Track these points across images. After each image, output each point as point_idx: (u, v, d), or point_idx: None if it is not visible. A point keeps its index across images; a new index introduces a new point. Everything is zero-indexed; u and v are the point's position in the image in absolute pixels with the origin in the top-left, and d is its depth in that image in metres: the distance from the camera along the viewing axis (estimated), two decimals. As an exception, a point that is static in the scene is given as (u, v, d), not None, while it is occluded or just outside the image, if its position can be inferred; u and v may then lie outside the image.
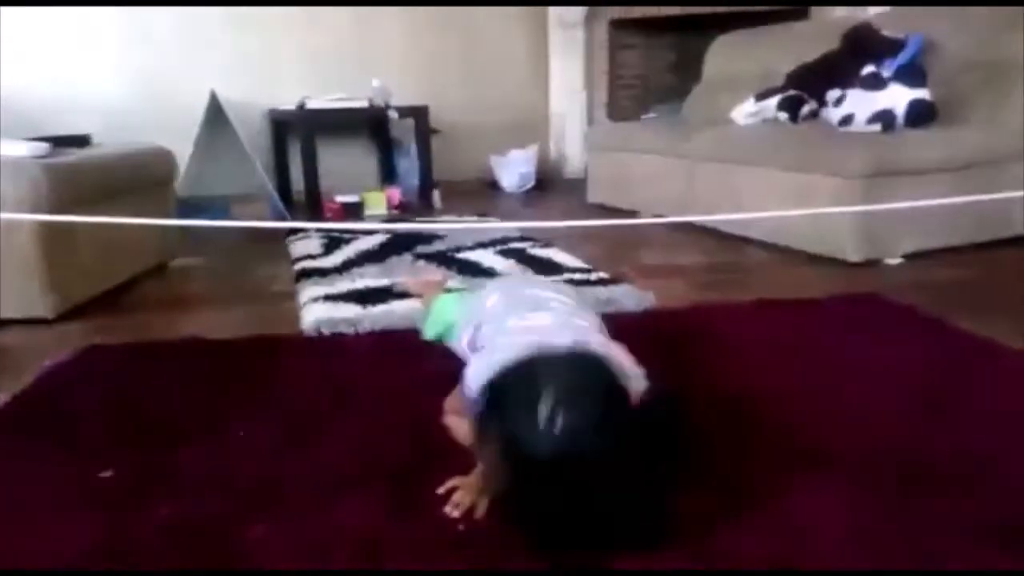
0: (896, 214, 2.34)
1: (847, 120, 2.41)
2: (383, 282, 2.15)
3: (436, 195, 3.92)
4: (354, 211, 3.62)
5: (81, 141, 2.32)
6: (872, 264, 2.34)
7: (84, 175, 2.05)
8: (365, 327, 1.75)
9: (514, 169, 4.37)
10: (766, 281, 2.22)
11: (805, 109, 2.75)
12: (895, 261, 2.36)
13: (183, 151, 3.45)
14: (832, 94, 2.48)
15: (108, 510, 1.01)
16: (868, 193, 2.28)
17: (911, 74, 2.37)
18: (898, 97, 2.34)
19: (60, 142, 2.18)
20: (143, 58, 3.91)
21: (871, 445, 1.13)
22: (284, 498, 1.03)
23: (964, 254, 2.41)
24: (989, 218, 2.45)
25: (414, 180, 4.00)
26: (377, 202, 3.73)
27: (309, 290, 2.09)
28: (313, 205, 3.66)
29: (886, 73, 2.38)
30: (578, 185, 4.01)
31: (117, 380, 1.50)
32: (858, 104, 2.38)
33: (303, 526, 0.96)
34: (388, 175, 4.15)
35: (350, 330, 1.74)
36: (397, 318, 1.80)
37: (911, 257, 2.38)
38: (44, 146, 2.02)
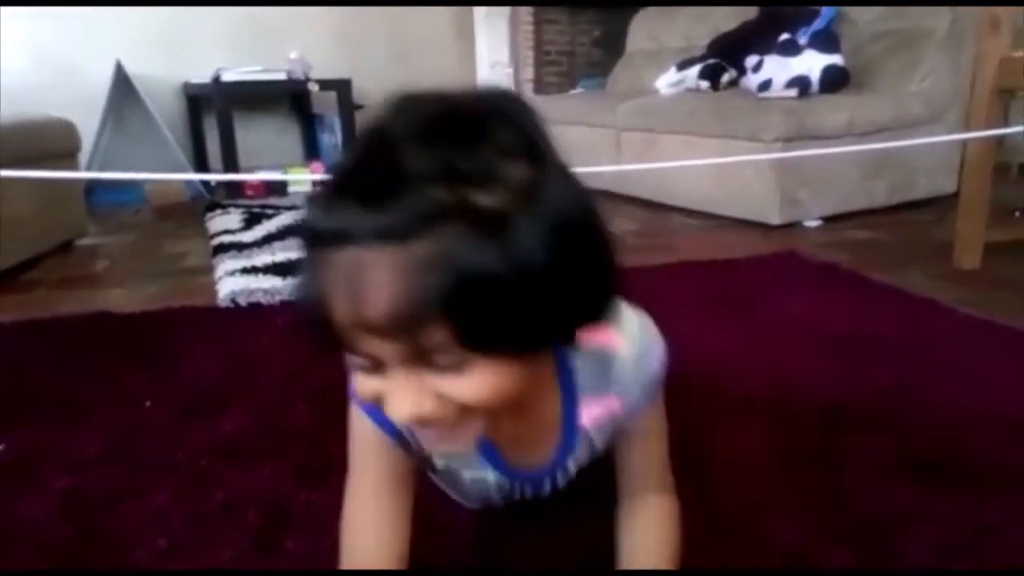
0: (814, 177, 2.40)
1: (765, 85, 2.45)
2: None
3: (362, 171, 3.83)
4: (276, 190, 3.50)
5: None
6: (792, 226, 2.40)
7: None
8: (284, 297, 1.69)
9: (442, 145, 4.31)
10: (691, 245, 2.24)
11: (725, 77, 2.78)
12: (814, 223, 2.42)
13: (90, 129, 3.27)
14: (751, 60, 2.51)
15: (2, 481, 0.94)
16: (789, 151, 2.32)
17: (825, 41, 2.42)
18: (813, 63, 2.39)
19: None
20: (43, 31, 3.68)
21: (791, 393, 1.15)
22: (187, 467, 0.97)
23: (877, 216, 2.49)
24: (897, 182, 2.54)
25: (338, 156, 3.91)
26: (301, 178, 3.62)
27: (226, 264, 2.01)
28: (233, 182, 3.53)
29: (802, 40, 2.42)
30: None
31: (13, 358, 1.40)
32: (776, 70, 2.41)
33: (210, 493, 0.91)
34: (311, 151, 4.03)
35: (268, 300, 1.68)
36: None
37: (828, 220, 2.44)
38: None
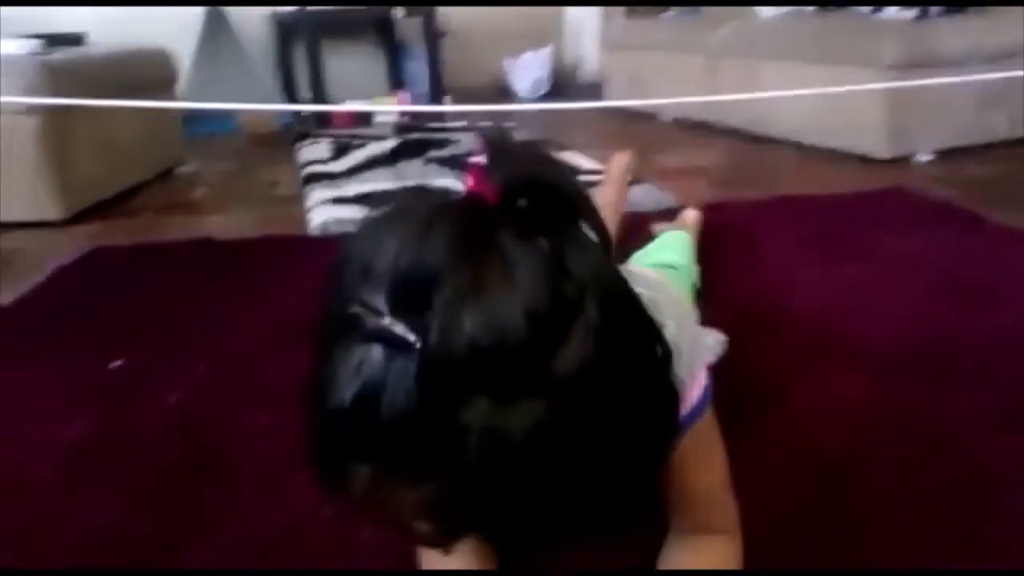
0: (928, 108, 2.23)
1: (879, 6, 2.26)
2: (392, 185, 2.09)
3: (447, 101, 3.80)
4: (363, 119, 3.52)
5: (74, 40, 2.23)
6: (902, 161, 2.24)
7: (81, 73, 1.99)
8: (373, 227, 1.71)
9: (528, 74, 4.22)
10: (792, 179, 2.13)
11: (835, -4, 2.58)
12: (926, 157, 2.26)
13: (185, 59, 3.35)
14: (865, -22, 2.32)
15: (119, 396, 1.00)
16: (903, 80, 2.16)
17: (951, -45, 2.20)
18: (935, -20, 2.19)
19: (53, 41, 2.10)
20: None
21: (895, 337, 1.09)
22: (285, 391, 1.00)
23: (998, 150, 2.29)
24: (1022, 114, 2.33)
25: (423, 86, 3.87)
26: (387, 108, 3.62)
27: (317, 193, 2.04)
28: (322, 113, 3.56)
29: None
30: (594, 90, 3.86)
31: (122, 280, 1.48)
32: (892, -12, 2.23)
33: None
34: (396, 81, 4.01)
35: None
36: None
37: (943, 154, 2.27)
38: (37, 43, 1.94)
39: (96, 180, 2.04)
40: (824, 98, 2.36)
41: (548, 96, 4.25)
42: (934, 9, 2.22)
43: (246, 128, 3.42)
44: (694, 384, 0.60)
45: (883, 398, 0.93)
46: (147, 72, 2.36)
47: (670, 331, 0.48)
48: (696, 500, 0.63)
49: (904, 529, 0.71)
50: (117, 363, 1.09)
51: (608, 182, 1.49)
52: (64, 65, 1.90)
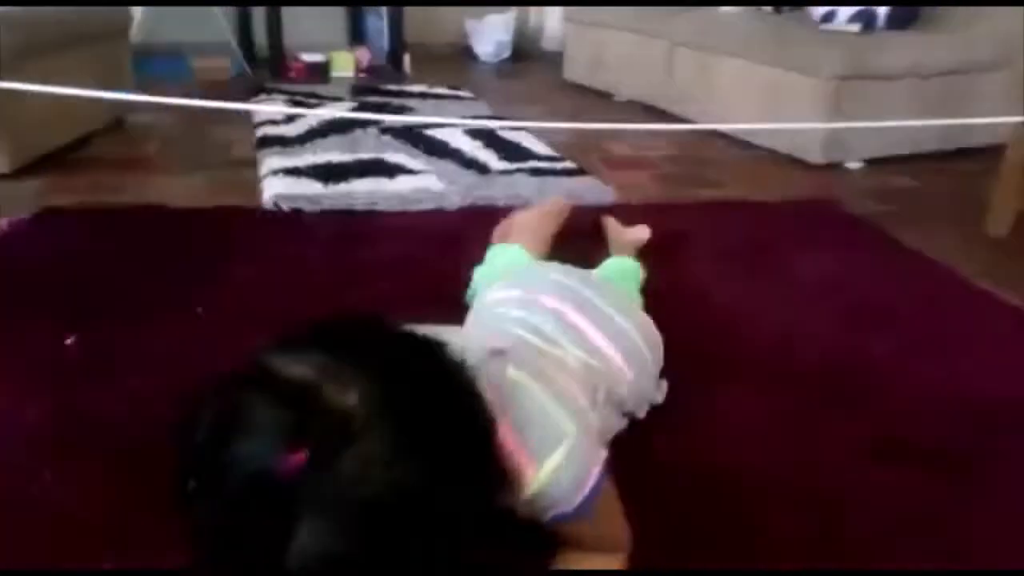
0: (863, 120, 2.35)
1: (829, 17, 2.36)
2: (346, 158, 2.12)
3: (406, 60, 3.79)
4: (320, 72, 3.49)
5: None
6: (835, 167, 2.37)
7: (34, 24, 1.94)
8: (324, 206, 1.75)
9: (490, 36, 4.22)
10: (728, 178, 2.24)
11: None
12: (856, 165, 2.39)
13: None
14: (818, -13, 2.41)
15: (76, 378, 1.05)
16: (840, 95, 2.28)
17: (899, -27, 2.30)
18: (882, -3, 2.29)
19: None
20: None
21: (789, 356, 1.21)
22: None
23: (923, 162, 2.44)
24: (952, 128, 2.47)
25: (383, 43, 3.85)
26: (345, 64, 3.60)
27: (270, 161, 2.06)
28: (277, 63, 3.51)
29: (874, -31, 2.31)
30: (555, 59, 3.89)
31: (74, 247, 1.50)
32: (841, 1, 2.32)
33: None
34: (357, 35, 3.97)
35: (310, 207, 1.74)
36: (358, 199, 1.80)
37: (872, 162, 2.41)
38: (-15, -12, 1.89)
39: (44, 130, 2.02)
40: (770, 100, 2.46)
41: (509, 61, 4.25)
42: (880, 22, 2.33)
43: (199, 74, 3.36)
44: (581, 488, 0.67)
45: (769, 412, 1.05)
46: (100, 17, 2.31)
47: (554, 461, 0.65)
48: (586, 542, 0.75)
49: (762, 539, 0.83)
50: (70, 340, 1.14)
51: (535, 209, 1.51)
52: (14, 17, 1.86)
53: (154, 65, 3.28)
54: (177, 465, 0.54)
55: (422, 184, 1.93)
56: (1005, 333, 1.34)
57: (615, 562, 0.76)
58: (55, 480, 0.86)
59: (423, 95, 3.10)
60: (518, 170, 2.11)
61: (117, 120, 2.45)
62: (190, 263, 1.45)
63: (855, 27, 2.30)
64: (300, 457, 0.48)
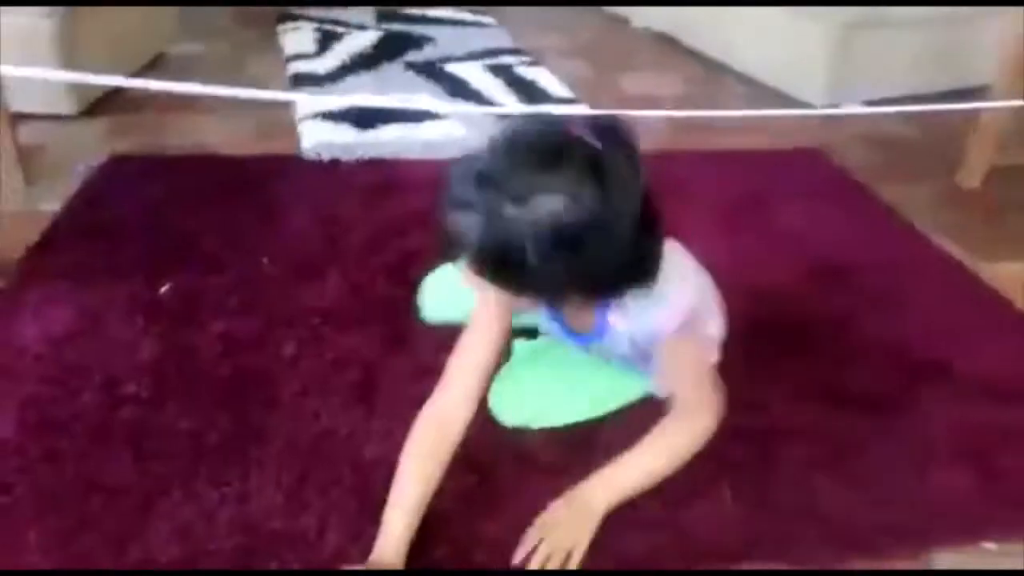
0: (866, 64, 2.47)
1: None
2: (375, 100, 2.29)
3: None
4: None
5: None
6: (834, 107, 2.50)
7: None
8: (359, 155, 1.95)
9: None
10: (734, 121, 2.39)
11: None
12: (856, 108, 2.53)
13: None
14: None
15: (172, 324, 1.31)
16: (847, 40, 2.39)
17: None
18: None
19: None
20: None
21: (760, 308, 1.41)
22: (303, 325, 1.32)
23: (922, 102, 2.53)
24: (953, 68, 2.57)
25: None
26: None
27: (305, 103, 2.24)
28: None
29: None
30: None
31: (144, 195, 1.73)
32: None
33: (322, 350, 1.27)
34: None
35: (346, 156, 1.95)
36: (388, 147, 2.00)
37: (871, 103, 2.53)
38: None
39: (103, 71, 2.20)
40: (779, 41, 2.57)
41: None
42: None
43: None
44: (681, 312, 0.99)
45: (734, 359, 1.24)
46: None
47: (673, 282, 0.97)
48: (673, 389, 1.04)
49: (712, 463, 1.09)
50: (165, 288, 1.39)
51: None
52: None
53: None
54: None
55: (446, 130, 2.12)
56: (949, 293, 1.55)
57: (690, 423, 1.03)
58: (177, 411, 1.13)
59: (445, 21, 3.19)
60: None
61: (160, 54, 2.60)
62: (248, 212, 1.67)
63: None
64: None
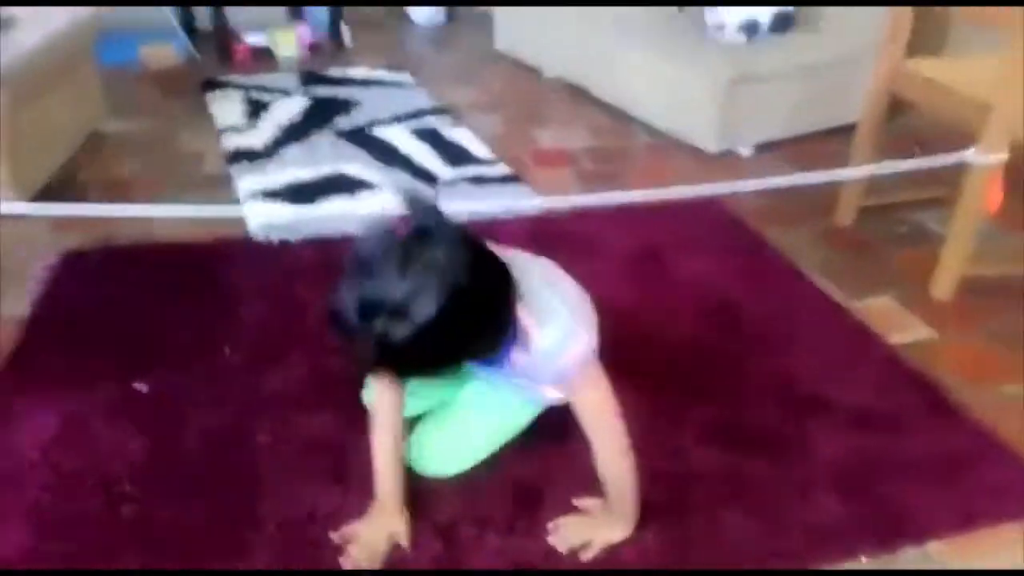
0: (751, 113, 2.77)
1: (720, 27, 2.73)
2: (310, 173, 2.45)
3: (346, 31, 3.99)
4: (264, 55, 3.70)
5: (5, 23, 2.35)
6: (728, 154, 2.80)
7: (29, 70, 2.18)
8: (304, 234, 2.11)
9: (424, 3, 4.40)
10: (638, 172, 2.66)
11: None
12: (746, 152, 2.83)
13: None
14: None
15: (153, 422, 1.45)
16: (732, 93, 2.68)
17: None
18: (764, 8, 2.67)
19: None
20: None
21: (657, 355, 1.65)
22: (273, 412, 1.48)
23: (804, 144, 2.86)
24: (831, 109, 2.90)
25: (323, 14, 4.01)
26: (287, 42, 3.79)
27: (245, 181, 2.38)
28: (222, 45, 3.69)
29: (758, -17, 2.67)
30: (486, 21, 4.07)
31: (103, 292, 1.84)
32: (731, 13, 2.69)
33: (293, 433, 1.43)
34: (295, 12, 4.11)
35: (293, 237, 2.10)
36: (329, 223, 2.16)
37: (761, 148, 2.84)
38: (-24, 43, 2.10)
39: (42, 162, 2.29)
40: (673, 93, 2.85)
41: (444, 24, 4.46)
42: (763, 29, 2.72)
43: (147, 61, 3.52)
44: (572, 351, 1.11)
45: (640, 401, 1.37)
46: (75, 44, 2.51)
47: (552, 328, 1.08)
48: (586, 423, 1.16)
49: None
50: (140, 386, 1.52)
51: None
52: (15, 71, 2.10)
53: (104, 52, 3.40)
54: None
55: (382, 201, 2.30)
56: (826, 330, 1.83)
57: (610, 448, 1.17)
58: (173, 505, 1.27)
59: (366, 83, 3.36)
60: (461, 178, 2.48)
61: (94, 133, 2.68)
62: (205, 301, 1.82)
63: (741, 38, 2.69)
64: (406, 225, 0.94)
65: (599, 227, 2.20)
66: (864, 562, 1.24)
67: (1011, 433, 1.50)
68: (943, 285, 1.97)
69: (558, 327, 1.09)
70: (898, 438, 1.48)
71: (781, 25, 2.72)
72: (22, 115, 2.16)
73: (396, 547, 1.21)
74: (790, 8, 2.70)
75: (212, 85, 3.23)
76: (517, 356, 1.10)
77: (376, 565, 1.17)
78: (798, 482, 1.38)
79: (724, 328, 1.80)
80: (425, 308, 0.91)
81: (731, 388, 1.60)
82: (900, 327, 1.85)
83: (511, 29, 3.79)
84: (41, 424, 1.42)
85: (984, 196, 1.89)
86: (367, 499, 1.26)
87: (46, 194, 2.28)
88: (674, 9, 3.08)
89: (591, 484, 1.24)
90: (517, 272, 1.05)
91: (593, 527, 1.24)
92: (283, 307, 1.81)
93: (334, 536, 1.21)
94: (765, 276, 2.04)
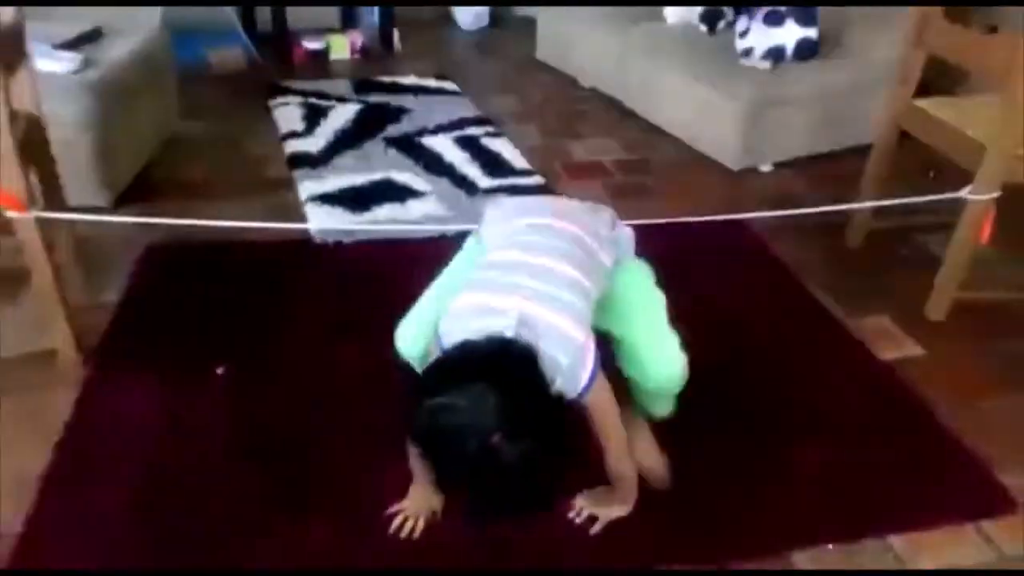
0: (773, 133, 2.95)
1: (747, 52, 2.90)
2: (363, 179, 2.70)
3: (396, 36, 4.23)
4: (319, 57, 3.96)
5: (93, 36, 2.62)
6: (750, 171, 2.98)
7: (118, 83, 2.46)
8: (358, 237, 2.36)
9: (470, 9, 4.61)
10: (666, 186, 2.86)
11: (721, 24, 3.19)
12: (767, 168, 3.01)
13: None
14: (740, 24, 2.94)
15: (239, 395, 1.72)
16: (755, 115, 2.87)
17: (805, 13, 2.84)
18: (789, 35, 2.84)
19: (78, 41, 2.52)
20: None
21: None
22: (338, 393, 1.74)
23: (821, 163, 3.04)
24: (848, 132, 3.06)
25: (374, 19, 4.25)
26: (340, 47, 4.05)
27: (305, 185, 2.64)
28: (282, 48, 3.95)
29: (784, 10, 2.84)
30: (529, 27, 4.26)
31: (184, 284, 2.11)
32: (758, 39, 2.86)
33: (356, 417, 1.68)
34: (348, 16, 4.35)
35: (347, 239, 2.35)
36: (380, 228, 2.41)
37: (780, 165, 3.02)
38: (76, 59, 2.38)
39: (129, 163, 2.57)
40: (701, 112, 3.04)
41: (488, 29, 4.67)
42: (788, 58, 2.89)
43: (214, 61, 3.79)
44: (581, 376, 1.25)
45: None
46: (155, 56, 2.79)
47: (562, 363, 1.22)
48: (597, 427, 1.37)
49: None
50: (221, 369, 1.79)
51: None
52: (105, 83, 2.37)
53: (183, 47, 3.60)
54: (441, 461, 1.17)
55: (427, 209, 2.54)
56: (822, 343, 2.03)
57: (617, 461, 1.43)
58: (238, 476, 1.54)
59: (415, 90, 3.59)
60: (499, 188, 2.71)
61: (170, 137, 2.95)
62: (271, 295, 2.08)
63: (767, 64, 2.87)
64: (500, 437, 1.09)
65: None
66: (830, 548, 1.45)
67: (979, 443, 1.69)
68: (937, 307, 2.15)
69: (566, 353, 1.24)
70: (873, 443, 1.69)
71: (806, 52, 2.88)
72: (114, 121, 2.44)
73: (432, 517, 1.45)
74: (813, 34, 2.86)
75: (275, 90, 3.48)
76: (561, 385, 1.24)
77: (420, 525, 1.42)
78: (789, 481, 1.59)
79: (724, 336, 1.99)
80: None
81: (722, 391, 1.79)
82: (892, 344, 2.05)
83: (552, 41, 3.99)
84: (139, 401, 1.69)
85: (978, 229, 2.06)
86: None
87: (130, 195, 2.55)
88: (705, 33, 3.26)
89: (597, 476, 1.47)
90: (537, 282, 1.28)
91: (601, 504, 1.47)
92: (339, 302, 2.06)
93: (391, 510, 1.44)
94: (769, 290, 2.24)
